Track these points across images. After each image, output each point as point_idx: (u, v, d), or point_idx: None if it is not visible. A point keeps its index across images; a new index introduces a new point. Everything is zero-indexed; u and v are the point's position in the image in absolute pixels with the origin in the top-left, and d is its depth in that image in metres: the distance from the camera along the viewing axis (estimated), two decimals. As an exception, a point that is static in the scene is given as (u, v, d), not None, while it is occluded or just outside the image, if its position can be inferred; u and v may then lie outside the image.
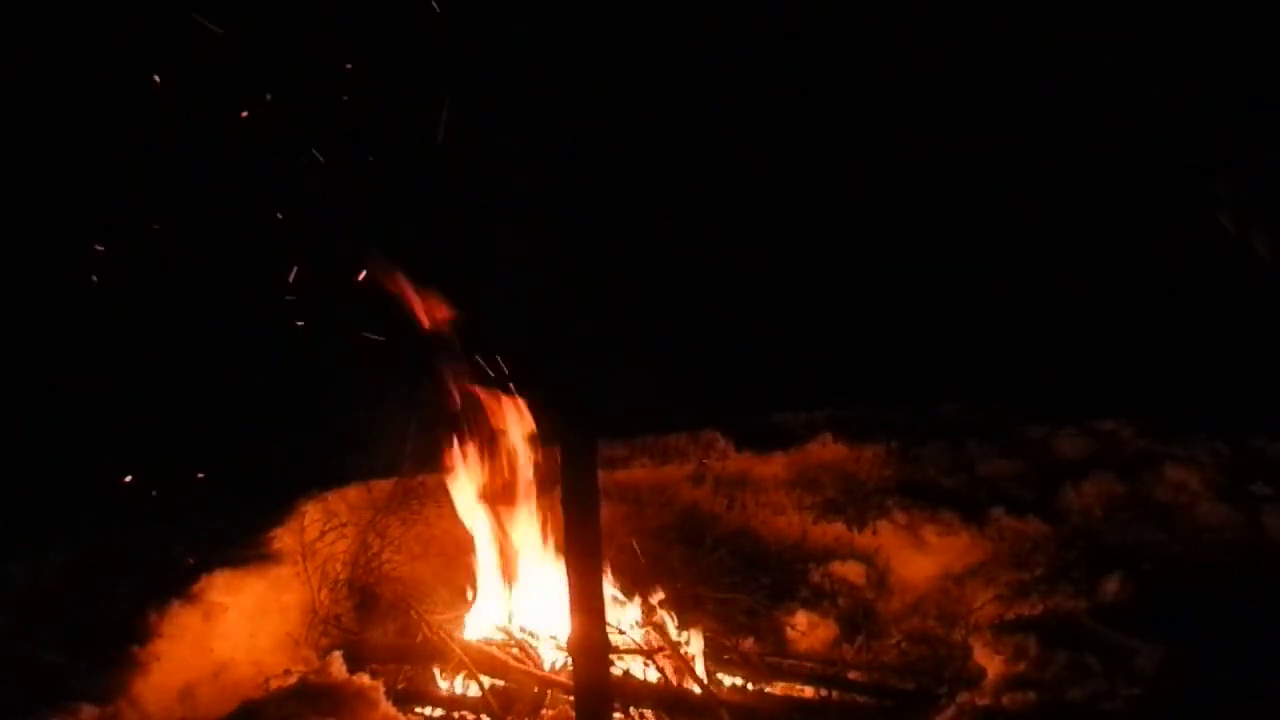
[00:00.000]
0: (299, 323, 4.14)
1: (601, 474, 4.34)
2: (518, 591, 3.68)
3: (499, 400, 3.72)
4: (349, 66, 4.35)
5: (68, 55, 5.12)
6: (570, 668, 3.32)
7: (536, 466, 3.73)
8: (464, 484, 3.72)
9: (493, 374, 3.77)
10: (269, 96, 4.26)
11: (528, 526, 3.70)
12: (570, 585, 2.63)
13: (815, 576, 4.11)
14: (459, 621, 3.65)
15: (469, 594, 3.73)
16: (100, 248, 4.32)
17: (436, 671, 3.44)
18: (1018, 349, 5.38)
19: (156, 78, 4.24)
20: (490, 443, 3.72)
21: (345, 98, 4.35)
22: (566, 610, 3.57)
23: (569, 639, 2.79)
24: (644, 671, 3.35)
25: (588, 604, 2.61)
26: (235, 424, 5.22)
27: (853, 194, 6.34)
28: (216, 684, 3.38)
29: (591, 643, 2.65)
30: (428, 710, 3.28)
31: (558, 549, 3.66)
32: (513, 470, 3.72)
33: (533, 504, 3.71)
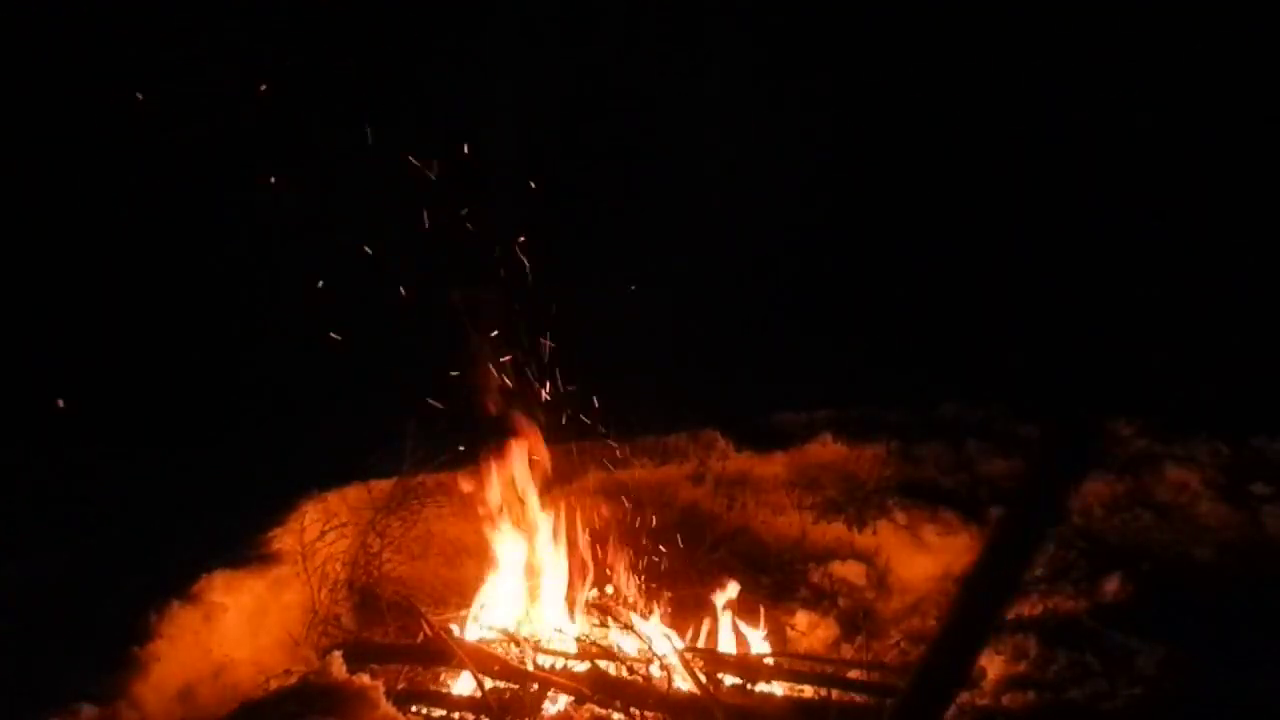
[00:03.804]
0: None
1: (601, 474, 4.39)
2: (518, 592, 3.67)
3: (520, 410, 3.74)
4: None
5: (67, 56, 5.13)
6: (570, 668, 3.33)
7: (546, 472, 3.74)
8: (476, 485, 3.73)
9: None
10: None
11: (531, 527, 3.70)
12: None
13: (815, 576, 4.11)
14: (459, 621, 3.65)
15: (470, 594, 3.72)
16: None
17: (437, 671, 3.43)
18: (1017, 349, 5.37)
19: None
20: (505, 447, 3.72)
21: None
22: (566, 610, 3.59)
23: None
24: (645, 671, 3.34)
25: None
26: (234, 424, 5.23)
27: (853, 195, 6.35)
28: (216, 684, 3.37)
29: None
30: (428, 710, 3.28)
31: (560, 549, 3.67)
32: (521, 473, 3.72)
33: (538, 506, 3.71)
